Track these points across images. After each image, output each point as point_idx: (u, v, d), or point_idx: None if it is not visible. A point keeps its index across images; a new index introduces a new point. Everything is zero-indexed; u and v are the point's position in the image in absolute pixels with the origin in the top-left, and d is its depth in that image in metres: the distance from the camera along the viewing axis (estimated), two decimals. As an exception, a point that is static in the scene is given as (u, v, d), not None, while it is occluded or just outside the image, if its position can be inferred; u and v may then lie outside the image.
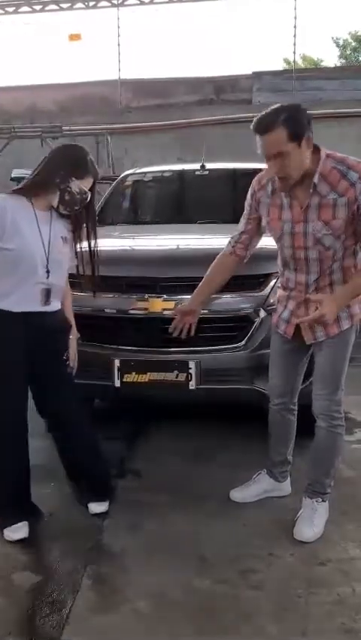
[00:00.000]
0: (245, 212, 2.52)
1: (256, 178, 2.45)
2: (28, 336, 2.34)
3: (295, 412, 2.65)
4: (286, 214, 2.30)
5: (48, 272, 2.31)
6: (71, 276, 2.55)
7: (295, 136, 2.09)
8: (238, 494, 2.70)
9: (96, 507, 2.61)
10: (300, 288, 2.38)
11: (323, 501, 2.50)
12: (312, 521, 2.44)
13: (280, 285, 2.53)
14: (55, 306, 2.41)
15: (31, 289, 2.31)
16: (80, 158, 2.33)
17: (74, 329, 2.60)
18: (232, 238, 2.59)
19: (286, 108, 2.11)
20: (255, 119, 2.15)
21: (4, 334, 2.34)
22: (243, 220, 2.55)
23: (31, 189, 2.34)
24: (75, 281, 2.66)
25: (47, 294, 2.34)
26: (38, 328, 2.35)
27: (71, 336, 2.57)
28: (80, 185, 2.30)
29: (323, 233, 2.22)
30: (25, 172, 4.94)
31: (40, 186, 2.32)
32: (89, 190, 2.34)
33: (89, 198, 2.35)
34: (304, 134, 2.10)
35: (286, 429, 2.66)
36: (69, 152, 2.38)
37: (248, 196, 2.48)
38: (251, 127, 2.15)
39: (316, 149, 2.20)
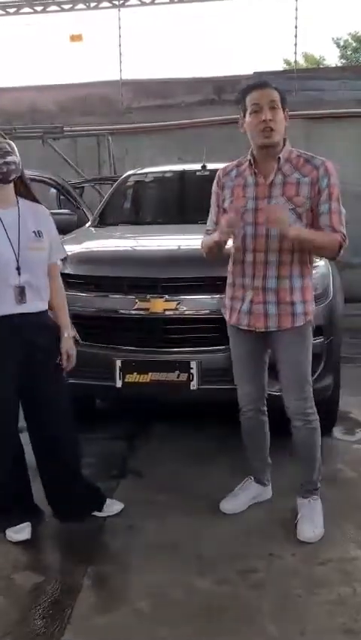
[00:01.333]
0: (213, 203, 2.58)
1: (220, 169, 2.57)
2: (11, 342, 2.28)
3: (266, 415, 2.65)
4: (250, 191, 2.40)
5: (19, 269, 2.27)
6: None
7: (283, 102, 2.35)
8: (228, 506, 2.66)
9: (111, 507, 2.62)
10: (259, 268, 2.38)
11: (317, 497, 2.53)
12: (313, 520, 2.45)
13: (230, 283, 2.51)
14: (36, 306, 2.34)
15: (5, 291, 2.26)
16: None
17: (68, 326, 2.51)
18: (208, 230, 2.60)
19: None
20: (250, 83, 2.41)
21: None
22: (213, 211, 2.59)
23: None
24: (76, 281, 2.64)
25: (21, 292, 2.27)
26: (20, 331, 2.28)
27: (65, 335, 2.47)
28: None
29: (287, 208, 2.30)
30: (26, 172, 4.92)
31: None
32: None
33: (3, 147, 2.25)
34: (286, 109, 2.35)
35: (263, 432, 2.66)
36: None
37: (214, 186, 2.58)
38: (243, 89, 2.39)
39: (283, 140, 2.38)
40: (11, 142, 2.32)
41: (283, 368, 2.47)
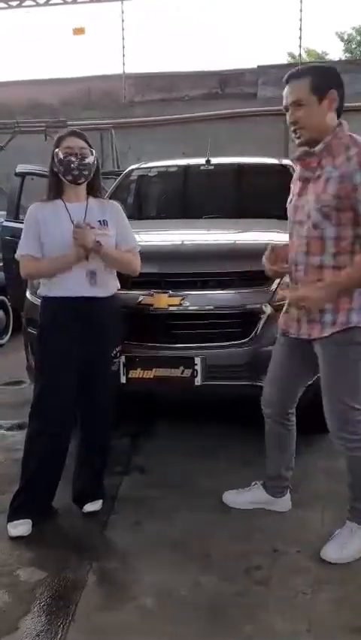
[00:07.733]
0: None
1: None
2: (75, 325, 2.42)
3: (290, 426, 2.50)
4: (295, 186, 2.31)
5: (87, 255, 2.40)
6: None
7: (317, 89, 2.10)
8: (230, 497, 2.63)
9: (90, 506, 2.61)
10: (293, 269, 2.27)
11: (359, 525, 2.30)
12: (344, 543, 2.27)
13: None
14: (104, 291, 2.47)
15: (77, 273, 2.41)
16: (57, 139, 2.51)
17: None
18: None
19: (321, 65, 2.14)
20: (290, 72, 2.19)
21: (56, 320, 2.45)
22: None
23: (52, 191, 2.50)
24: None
25: (93, 275, 2.42)
26: (85, 315, 2.41)
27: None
28: (62, 149, 2.42)
29: (313, 207, 2.13)
30: (30, 167, 4.90)
31: (53, 183, 2.49)
32: (80, 148, 2.43)
33: (84, 154, 2.42)
34: (327, 92, 2.11)
35: (277, 442, 2.53)
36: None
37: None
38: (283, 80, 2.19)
39: (340, 124, 2.15)
40: (93, 149, 2.48)
41: (321, 380, 2.26)
